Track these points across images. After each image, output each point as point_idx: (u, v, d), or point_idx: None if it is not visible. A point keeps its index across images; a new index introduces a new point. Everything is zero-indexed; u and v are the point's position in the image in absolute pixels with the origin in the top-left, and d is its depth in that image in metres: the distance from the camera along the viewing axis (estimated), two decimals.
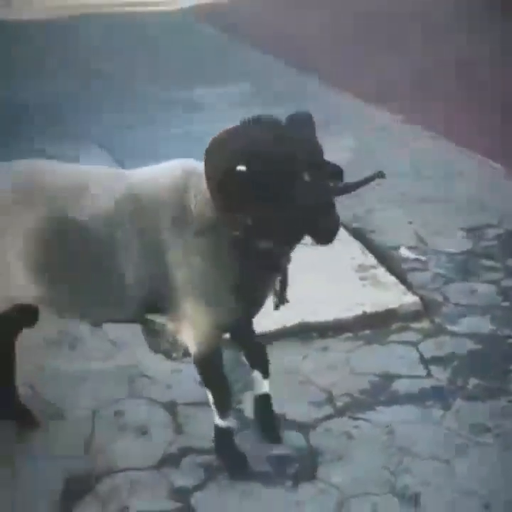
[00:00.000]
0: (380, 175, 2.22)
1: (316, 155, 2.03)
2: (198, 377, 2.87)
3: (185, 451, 2.53)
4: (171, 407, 2.74)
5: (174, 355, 3.08)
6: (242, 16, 11.24)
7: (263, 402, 2.55)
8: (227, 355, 3.01)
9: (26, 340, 3.11)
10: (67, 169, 2.35)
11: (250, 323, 2.52)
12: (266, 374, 2.53)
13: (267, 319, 3.22)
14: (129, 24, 11.03)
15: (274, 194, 1.99)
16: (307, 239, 2.22)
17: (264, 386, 2.54)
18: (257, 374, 2.53)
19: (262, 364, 2.53)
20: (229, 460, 2.44)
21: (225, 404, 2.39)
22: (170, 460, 2.50)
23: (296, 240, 2.18)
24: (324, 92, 7.00)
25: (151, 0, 12.79)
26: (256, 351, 2.55)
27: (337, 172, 2.10)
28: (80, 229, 2.17)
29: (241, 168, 1.96)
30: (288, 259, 2.25)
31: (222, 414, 2.39)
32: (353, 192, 2.14)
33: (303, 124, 2.11)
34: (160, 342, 3.16)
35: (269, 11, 11.25)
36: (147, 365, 3.00)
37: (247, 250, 2.11)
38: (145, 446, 2.57)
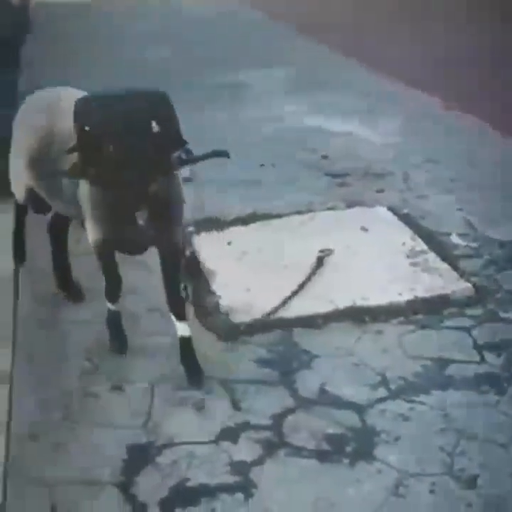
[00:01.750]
0: (224, 154, 2.62)
1: (125, 132, 2.42)
2: (254, 357, 2.95)
3: (243, 427, 2.57)
4: (227, 384, 2.79)
5: (227, 333, 3.12)
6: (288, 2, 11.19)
7: (183, 344, 2.84)
8: (280, 335, 3.09)
9: (85, 314, 3.22)
10: (75, 94, 2.74)
11: (167, 270, 2.87)
12: (178, 317, 2.83)
13: (319, 301, 3.28)
14: (175, 10, 11.06)
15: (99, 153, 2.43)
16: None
17: (180, 329, 2.84)
18: (173, 317, 2.86)
19: (175, 308, 2.83)
20: (114, 336, 2.99)
21: (112, 293, 2.94)
22: (228, 435, 2.54)
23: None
24: (370, 77, 6.97)
25: None
26: (172, 296, 2.85)
27: (179, 144, 2.52)
28: (55, 141, 2.76)
29: (87, 128, 2.44)
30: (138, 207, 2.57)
31: (111, 300, 2.96)
32: (194, 164, 2.63)
33: (141, 100, 2.52)
34: (213, 320, 3.22)
35: None
36: (202, 343, 3.04)
37: (101, 189, 2.58)
38: (203, 421, 2.62)
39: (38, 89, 3.22)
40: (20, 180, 3.15)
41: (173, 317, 2.86)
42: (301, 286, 3.36)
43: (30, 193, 3.14)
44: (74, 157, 2.50)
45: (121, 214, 2.60)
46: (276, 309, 3.21)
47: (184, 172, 4.65)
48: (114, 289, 2.95)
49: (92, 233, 2.76)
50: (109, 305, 2.99)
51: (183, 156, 2.54)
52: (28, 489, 2.33)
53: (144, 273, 3.49)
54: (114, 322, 3.02)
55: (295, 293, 3.31)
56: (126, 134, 2.42)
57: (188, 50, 8.48)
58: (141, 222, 2.56)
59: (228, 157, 2.63)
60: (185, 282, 3.43)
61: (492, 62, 7.13)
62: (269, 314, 3.18)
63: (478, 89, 6.31)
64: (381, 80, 6.82)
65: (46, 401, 2.70)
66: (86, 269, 3.27)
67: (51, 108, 2.90)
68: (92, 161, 2.45)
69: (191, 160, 2.59)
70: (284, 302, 3.25)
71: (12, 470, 2.38)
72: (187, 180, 4.63)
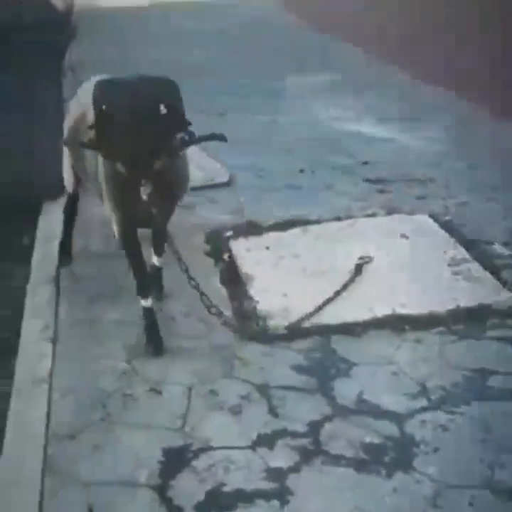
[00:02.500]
0: (221, 137, 2.86)
1: (135, 113, 2.64)
2: (291, 363, 2.93)
3: (280, 434, 2.55)
4: (264, 390, 2.77)
5: (264, 338, 3.11)
6: (330, 8, 11.16)
7: (153, 269, 3.34)
8: (318, 341, 3.07)
9: (125, 315, 3.24)
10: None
11: (156, 230, 3.24)
12: (156, 253, 3.35)
13: (358, 308, 3.25)
14: (221, 13, 11.11)
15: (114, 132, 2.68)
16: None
17: (155, 260, 3.36)
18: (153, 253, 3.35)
19: (157, 248, 3.35)
20: (150, 337, 3.03)
21: (143, 287, 3.08)
22: (264, 441, 2.52)
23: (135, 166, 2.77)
24: (414, 83, 6.91)
25: None
26: (156, 242, 3.33)
27: (183, 127, 2.71)
28: (86, 121, 2.91)
29: (103, 107, 2.67)
30: (143, 182, 2.78)
31: (143, 296, 3.07)
32: (196, 144, 2.90)
33: (151, 86, 2.75)
34: (250, 325, 3.21)
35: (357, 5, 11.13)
36: (239, 348, 3.04)
37: (112, 163, 2.81)
38: (239, 426, 2.61)
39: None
40: (67, 164, 3.50)
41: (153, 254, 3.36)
42: (337, 294, 3.34)
43: (76, 177, 3.48)
44: (93, 133, 2.76)
45: (127, 188, 2.82)
46: (309, 316, 3.19)
47: (223, 177, 4.72)
48: (142, 281, 3.08)
49: (108, 210, 3.00)
50: (142, 302, 3.06)
51: (186, 138, 2.75)
52: (64, 489, 2.34)
53: (180, 277, 3.50)
54: (149, 320, 3.05)
55: (330, 300, 3.29)
56: (136, 115, 2.65)
57: (235, 54, 8.53)
58: (144, 196, 2.78)
59: (226, 141, 2.87)
60: (223, 284, 3.46)
61: None
62: (302, 320, 3.16)
63: None
64: (425, 86, 6.76)
65: (85, 402, 2.72)
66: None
67: (89, 91, 2.96)
68: (104, 137, 2.70)
69: (193, 141, 2.81)
70: (319, 309, 3.23)
71: (49, 469, 2.40)
72: (226, 184, 4.68)
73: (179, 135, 2.75)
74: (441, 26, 9.46)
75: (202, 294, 3.11)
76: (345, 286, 3.38)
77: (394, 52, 7.94)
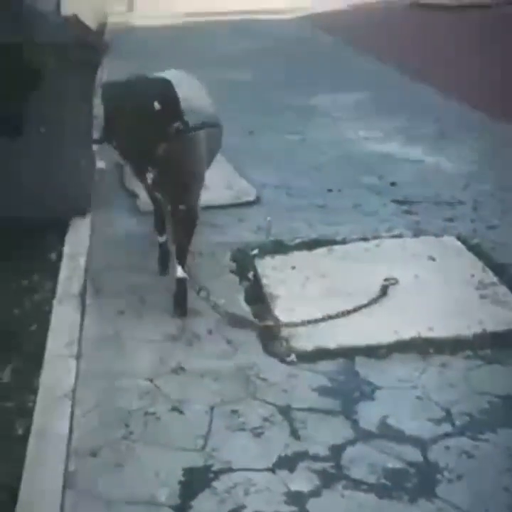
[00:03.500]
0: (214, 125, 3.39)
1: (134, 108, 3.02)
2: (315, 384, 2.91)
3: (301, 456, 2.53)
4: (286, 411, 2.76)
5: (289, 359, 3.10)
6: (358, 26, 11.20)
7: (178, 284, 3.45)
8: (342, 363, 3.05)
9: (148, 333, 3.25)
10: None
11: (174, 227, 3.52)
12: (180, 263, 3.45)
13: (383, 331, 3.22)
14: (250, 31, 11.20)
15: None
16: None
17: (178, 271, 3.45)
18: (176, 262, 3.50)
19: (180, 257, 3.47)
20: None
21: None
22: (285, 463, 2.51)
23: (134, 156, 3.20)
24: (445, 103, 6.87)
25: (271, 8, 12.96)
26: (179, 248, 3.49)
27: (176, 118, 3.06)
28: None
29: (108, 104, 3.07)
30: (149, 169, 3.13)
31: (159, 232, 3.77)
32: (191, 132, 3.14)
33: (148, 85, 3.15)
34: (275, 345, 3.20)
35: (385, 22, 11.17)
36: (262, 368, 3.03)
37: (120, 152, 3.22)
38: (261, 447, 2.59)
39: None
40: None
41: (176, 262, 3.48)
42: (355, 310, 3.34)
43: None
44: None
45: (136, 174, 3.32)
46: (316, 321, 3.26)
47: (250, 195, 4.73)
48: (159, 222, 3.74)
49: None
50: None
51: (181, 127, 3.07)
52: (84, 505, 2.34)
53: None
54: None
55: (346, 313, 3.32)
56: (135, 110, 3.03)
57: (268, 72, 8.57)
58: (149, 181, 3.15)
59: (218, 126, 3.44)
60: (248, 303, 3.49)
61: None
62: (308, 322, 3.24)
63: None
64: (456, 107, 6.72)
65: (107, 419, 2.73)
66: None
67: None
68: (112, 130, 3.08)
69: (187, 130, 3.11)
70: (329, 317, 3.28)
71: (70, 486, 2.41)
72: (253, 203, 4.69)
73: (175, 125, 3.06)
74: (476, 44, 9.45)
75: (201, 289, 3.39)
76: (365, 306, 3.37)
77: (429, 73, 7.92)
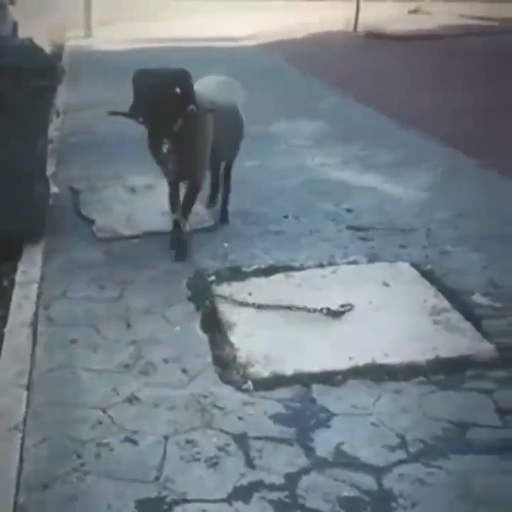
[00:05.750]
0: (226, 112, 4.31)
1: (158, 92, 3.77)
2: (270, 412, 2.90)
3: (256, 486, 2.51)
4: (242, 440, 2.74)
5: (245, 386, 3.09)
6: (319, 57, 11.35)
7: (175, 225, 4.28)
8: (298, 390, 3.04)
9: (101, 363, 3.20)
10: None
11: (187, 193, 4.32)
12: (184, 216, 4.27)
13: (338, 357, 3.23)
14: (209, 59, 11.24)
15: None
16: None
17: (182, 223, 4.25)
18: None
19: (185, 213, 4.28)
20: (173, 243, 4.25)
21: (172, 206, 4.30)
22: (240, 494, 2.48)
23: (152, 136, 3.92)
24: (401, 132, 6.98)
25: (232, 36, 13.06)
26: (185, 208, 4.29)
27: (191, 101, 3.86)
28: None
29: (138, 88, 3.82)
30: (165, 148, 3.88)
31: (172, 211, 4.29)
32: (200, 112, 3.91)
33: (170, 73, 3.88)
34: (231, 373, 3.18)
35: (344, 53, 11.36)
36: (218, 396, 3.01)
37: (144, 126, 3.90)
38: (216, 477, 2.56)
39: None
40: None
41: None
42: (290, 308, 3.60)
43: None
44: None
45: (154, 145, 3.90)
46: (265, 306, 3.62)
47: (208, 221, 4.72)
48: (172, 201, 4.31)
49: None
50: (171, 215, 4.25)
51: (194, 110, 3.83)
52: None
53: (164, 324, 3.49)
54: (175, 230, 4.22)
55: (286, 307, 3.60)
56: (160, 93, 3.75)
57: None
58: (164, 150, 3.85)
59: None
60: (204, 331, 3.44)
61: None
62: (258, 306, 3.63)
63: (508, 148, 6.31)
64: (412, 136, 6.83)
65: (59, 450, 2.67)
66: None
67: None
68: (139, 108, 3.80)
69: (198, 112, 3.87)
70: (275, 306, 3.61)
71: None
72: (211, 229, 4.68)
73: (190, 107, 3.81)
74: (434, 75, 9.66)
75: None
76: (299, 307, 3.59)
77: (385, 102, 8.06)
